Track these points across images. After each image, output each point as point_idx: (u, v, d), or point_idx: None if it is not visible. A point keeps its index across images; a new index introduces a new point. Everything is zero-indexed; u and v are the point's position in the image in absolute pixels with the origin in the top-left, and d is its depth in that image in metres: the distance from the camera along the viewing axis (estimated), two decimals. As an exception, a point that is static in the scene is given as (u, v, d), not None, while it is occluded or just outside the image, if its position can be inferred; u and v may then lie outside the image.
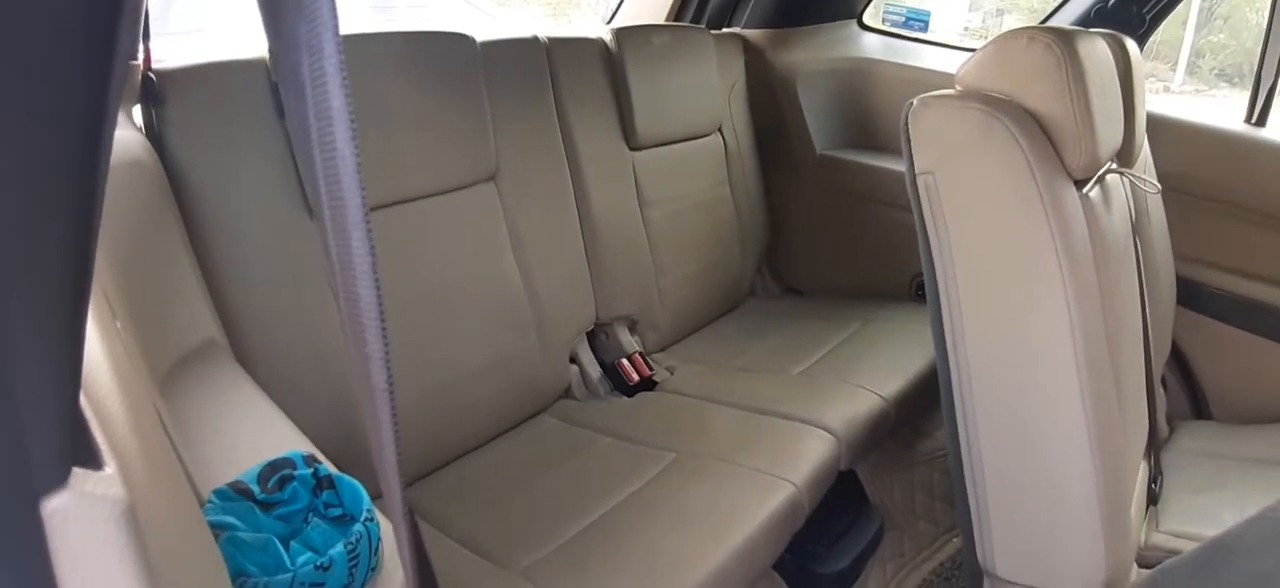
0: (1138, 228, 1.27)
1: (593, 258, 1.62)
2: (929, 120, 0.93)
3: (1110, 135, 1.02)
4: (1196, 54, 5.00)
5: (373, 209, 1.25)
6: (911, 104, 0.94)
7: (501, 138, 1.45)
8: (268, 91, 1.17)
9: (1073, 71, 0.90)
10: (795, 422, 1.38)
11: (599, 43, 1.68)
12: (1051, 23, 1.89)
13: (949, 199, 0.92)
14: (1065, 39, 0.90)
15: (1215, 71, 5.14)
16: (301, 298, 1.18)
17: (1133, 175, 1.12)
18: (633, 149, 1.71)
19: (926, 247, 0.96)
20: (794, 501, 1.19)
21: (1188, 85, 5.02)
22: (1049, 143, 0.91)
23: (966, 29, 6.94)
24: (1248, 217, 1.59)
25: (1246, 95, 1.69)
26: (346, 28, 0.30)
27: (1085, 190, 0.98)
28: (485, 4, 6.01)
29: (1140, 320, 1.21)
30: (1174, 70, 3.90)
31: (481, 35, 1.48)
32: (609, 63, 1.68)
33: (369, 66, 1.28)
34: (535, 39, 1.57)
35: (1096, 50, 0.99)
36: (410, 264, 1.31)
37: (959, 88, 0.98)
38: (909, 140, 0.94)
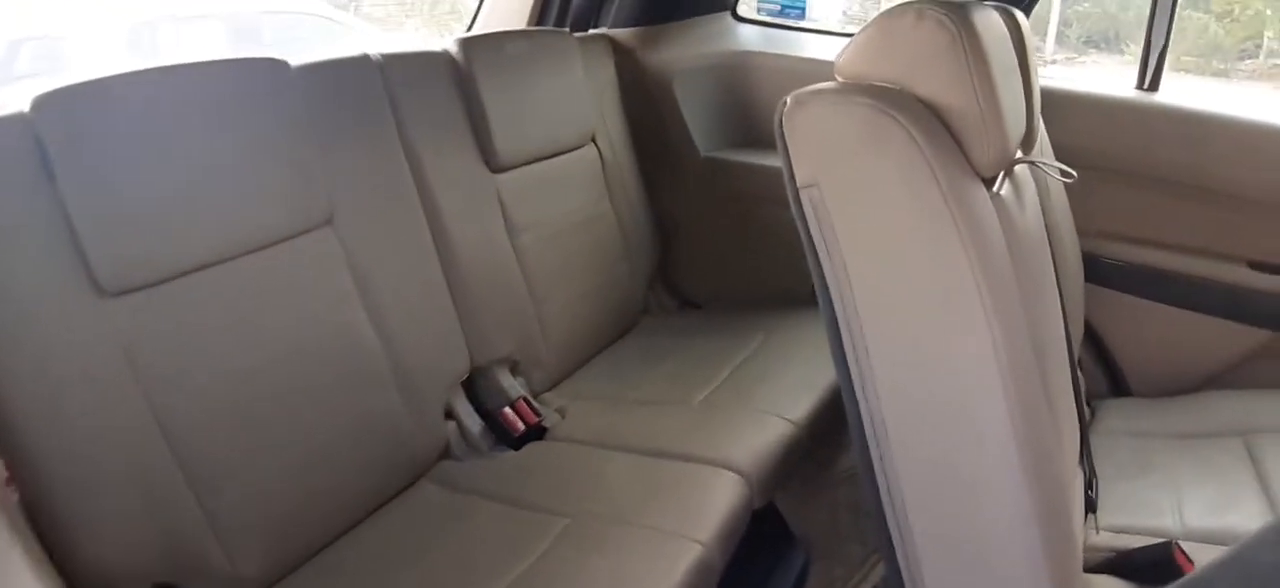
0: (1043, 210, 1.18)
1: (459, 297, 1.43)
2: (807, 122, 0.77)
3: (1016, 122, 0.90)
4: (1064, 23, 5.25)
5: (184, 274, 1.06)
6: (785, 103, 0.78)
7: (334, 175, 1.25)
8: (33, 150, 0.95)
9: (971, 52, 0.76)
10: (700, 463, 1.24)
11: (445, 56, 1.49)
12: (933, -1, 1.82)
13: (838, 213, 0.77)
14: (958, 13, 0.76)
15: (1082, 39, 5.42)
16: (100, 394, 0.97)
17: (1043, 164, 1.01)
18: (495, 171, 1.52)
19: (816, 266, 0.81)
20: (704, 562, 1.06)
21: (1059, 54, 5.27)
22: (950, 137, 0.77)
23: (846, 14, 7.09)
24: (1149, 185, 1.55)
25: (1116, 59, 1.69)
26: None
27: (996, 189, 0.85)
28: (356, 22, 5.73)
29: (1061, 315, 1.12)
30: (1043, 40, 4.04)
31: (299, 62, 1.27)
32: (459, 78, 1.49)
33: (167, 108, 1.07)
34: (365, 57, 1.37)
35: (992, 24, 0.87)
36: (239, 333, 1.11)
37: (839, 79, 0.84)
38: (786, 147, 0.79)
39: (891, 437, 0.82)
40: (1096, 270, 1.55)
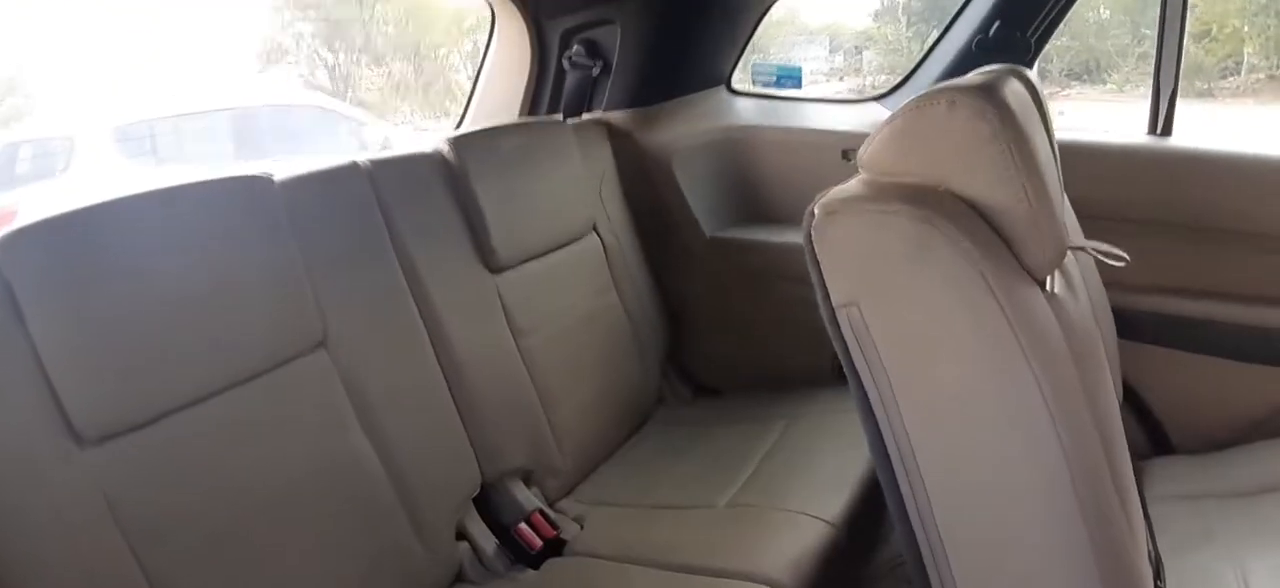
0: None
1: (465, 409, 1.36)
2: (840, 236, 0.70)
3: (1060, 206, 0.83)
4: (1045, 59, 5.30)
5: (166, 415, 0.99)
6: (813, 214, 0.71)
7: (326, 293, 1.19)
8: (2, 293, 0.90)
9: (1016, 148, 0.68)
10: (732, 578, 1.15)
11: (436, 157, 1.44)
12: (929, 62, 1.79)
13: (882, 333, 0.69)
14: (993, 100, 0.69)
15: (1064, 72, 5.49)
16: (81, 547, 0.91)
17: (1093, 250, 0.94)
18: (494, 272, 1.46)
19: (857, 385, 0.73)
20: None
21: (1043, 88, 5.31)
22: (999, 239, 0.70)
23: (832, 70, 7.18)
24: (1173, 231, 1.50)
25: (1099, 89, 1.67)
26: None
27: (1051, 288, 0.78)
28: (350, 108, 5.77)
29: (1112, 387, 1.04)
30: None
31: (284, 175, 1.23)
32: (452, 179, 1.44)
33: (142, 239, 1.02)
34: (353, 165, 1.32)
35: (1019, 97, 0.81)
36: (228, 473, 1.04)
37: (864, 175, 0.77)
38: (817, 261, 0.71)
39: (953, 567, 0.74)
40: (1128, 325, 1.47)
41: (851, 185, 0.74)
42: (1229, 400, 1.48)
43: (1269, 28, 4.80)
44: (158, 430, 0.98)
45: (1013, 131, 0.70)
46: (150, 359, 0.98)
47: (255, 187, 1.15)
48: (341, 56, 7.86)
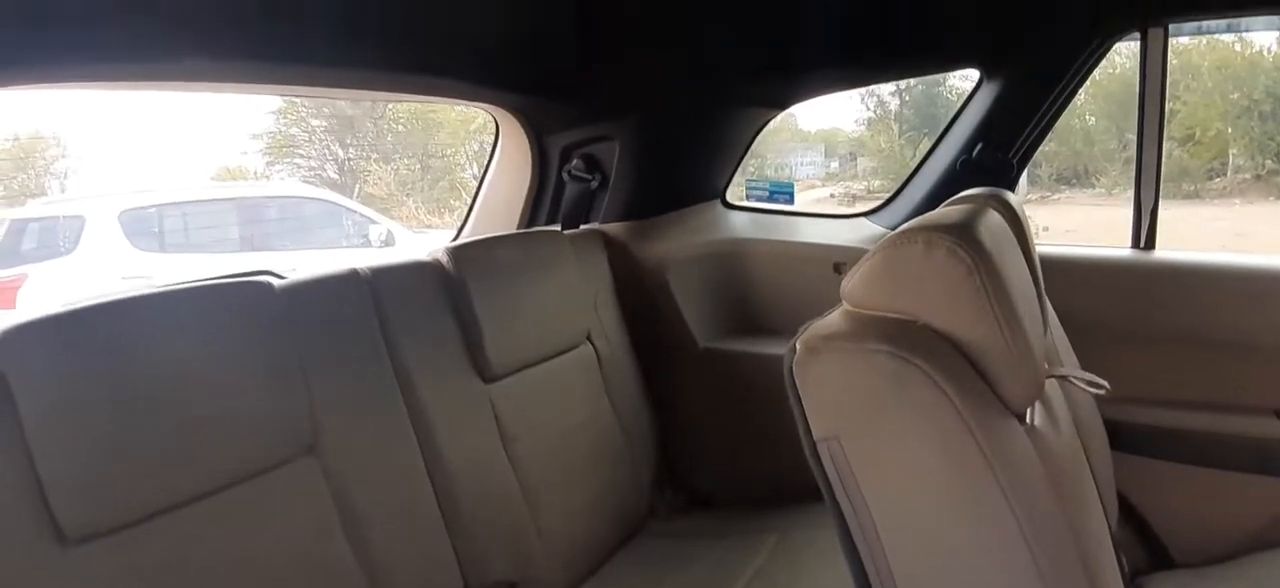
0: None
1: (451, 517, 1.34)
2: (821, 372, 0.72)
3: (1038, 335, 0.85)
4: (1033, 164, 5.42)
5: (153, 516, 0.99)
6: (794, 350, 0.73)
7: (318, 399, 1.19)
8: None
9: (991, 286, 0.71)
10: None
11: (434, 266, 1.47)
12: (916, 180, 1.84)
13: (862, 467, 0.70)
14: (968, 238, 0.72)
15: (1054, 177, 5.63)
16: None
17: (1073, 378, 0.95)
18: (488, 381, 1.46)
19: (838, 516, 0.73)
20: None
21: (1033, 193, 5.45)
22: (976, 374, 0.71)
23: (828, 175, 7.35)
24: (1160, 343, 1.52)
25: (1088, 193, 1.72)
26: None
27: (1030, 421, 0.79)
28: (356, 204, 5.86)
29: (1101, 508, 1.03)
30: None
31: (287, 280, 1.26)
32: (449, 287, 1.46)
33: (139, 340, 1.03)
34: (353, 272, 1.34)
35: (995, 230, 0.84)
36: (212, 577, 1.03)
37: (847, 306, 0.79)
38: (799, 396, 0.73)
39: None
40: (1122, 438, 1.47)
41: (833, 319, 0.76)
42: (1227, 512, 1.46)
43: (1252, 129, 4.96)
44: (144, 531, 0.97)
45: (988, 269, 0.72)
46: (141, 461, 0.98)
47: (256, 291, 1.17)
48: (352, 152, 8.08)
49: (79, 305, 1.01)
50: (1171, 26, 1.53)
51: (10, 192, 6.92)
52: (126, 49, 1.09)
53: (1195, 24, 1.74)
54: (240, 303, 1.15)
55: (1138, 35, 1.54)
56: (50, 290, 4.14)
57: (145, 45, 1.10)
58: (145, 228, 4.68)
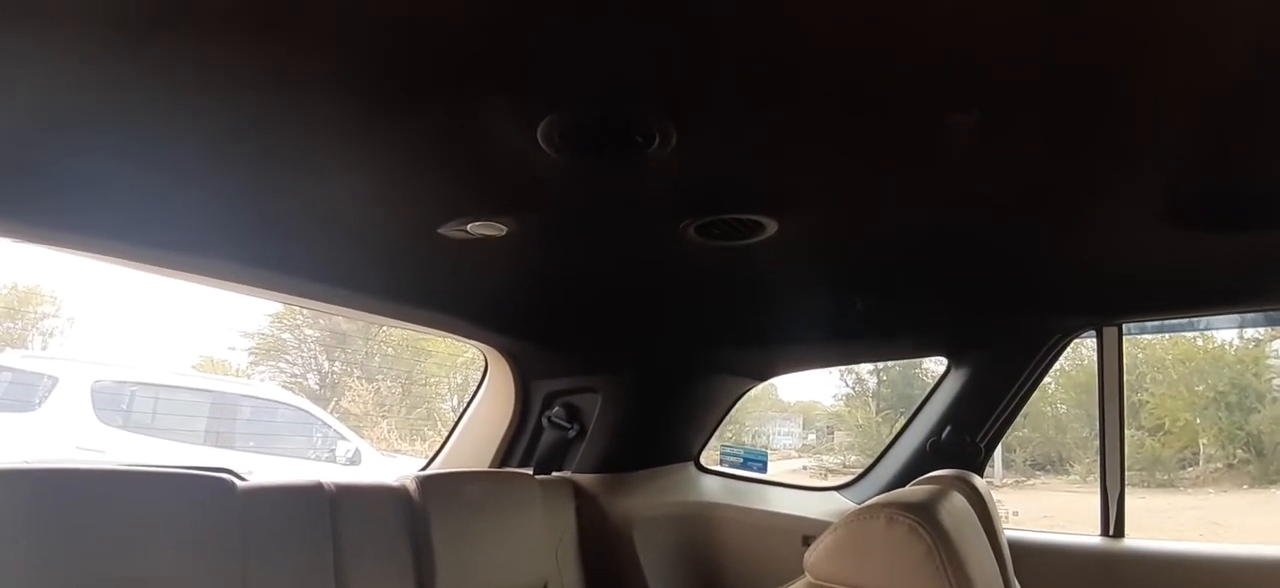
0: None
1: None
2: None
3: None
4: (1008, 449, 5.49)
5: None
6: None
7: None
8: None
9: (947, 559, 0.73)
10: None
11: (401, 491, 1.44)
12: (886, 459, 1.87)
13: None
14: (927, 517, 0.75)
15: (1028, 462, 5.64)
16: None
17: None
18: None
19: None
20: None
21: (1008, 478, 5.45)
22: None
23: (805, 446, 7.39)
24: None
25: (1063, 479, 1.74)
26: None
27: None
28: (330, 419, 5.80)
29: None
30: (992, 467, 4.15)
31: (250, 482, 1.23)
32: (411, 515, 1.42)
33: (98, 512, 1.02)
34: (318, 486, 1.32)
35: (958, 512, 0.86)
36: None
37: (810, 579, 0.80)
38: None
39: None
40: None
41: None
42: None
43: (1220, 419, 5.04)
44: None
45: (948, 549, 0.74)
46: None
47: (217, 488, 1.16)
48: (338, 366, 8.13)
49: (44, 466, 1.01)
50: (1128, 325, 1.64)
51: (-8, 337, 6.90)
52: (139, 231, 1.15)
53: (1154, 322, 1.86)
54: (200, 496, 1.13)
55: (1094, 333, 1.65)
56: (2, 444, 4.00)
57: (161, 231, 1.16)
58: (114, 403, 4.61)
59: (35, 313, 7.27)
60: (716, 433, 2.11)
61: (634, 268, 1.37)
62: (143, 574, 1.03)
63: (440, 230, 1.13)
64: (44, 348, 7.01)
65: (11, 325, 7.18)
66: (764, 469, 2.05)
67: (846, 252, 1.28)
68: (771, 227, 1.10)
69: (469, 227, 1.12)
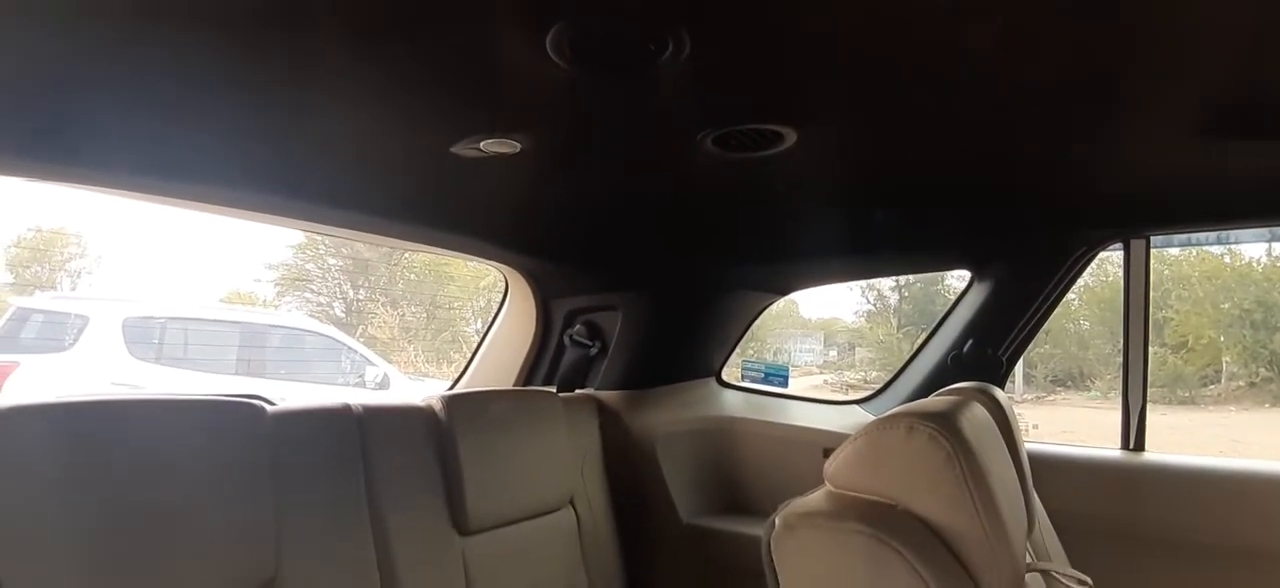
0: None
1: None
2: (799, 549, 0.73)
3: (1019, 528, 0.86)
4: (1029, 365, 5.50)
5: None
6: (773, 524, 0.74)
7: (286, 531, 1.17)
8: None
9: (969, 471, 0.73)
10: None
11: (427, 412, 1.48)
12: (908, 372, 1.87)
13: None
14: (948, 425, 0.75)
15: (1049, 378, 5.65)
16: None
17: (1058, 574, 0.94)
18: (464, 534, 1.43)
19: None
20: None
21: (1028, 394, 5.47)
22: (954, 560, 0.72)
23: (826, 363, 7.43)
24: (1150, 546, 1.50)
25: (1083, 395, 1.72)
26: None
27: None
28: (356, 344, 5.91)
29: None
30: (1013, 382, 4.16)
31: (279, 406, 1.27)
32: (438, 435, 1.46)
33: (129, 441, 1.04)
34: (346, 408, 1.35)
35: (978, 422, 0.86)
36: None
37: (829, 487, 0.81)
38: (775, 572, 0.73)
39: None
40: None
41: (814, 498, 0.77)
42: None
43: (1244, 337, 5.00)
44: None
45: (968, 458, 0.74)
46: (99, 562, 0.97)
47: (248, 412, 1.18)
48: (362, 293, 8.24)
49: (74, 399, 1.03)
50: (1156, 238, 1.61)
51: (21, 281, 7.04)
52: (159, 166, 1.15)
53: (1182, 236, 1.81)
54: (231, 421, 1.16)
55: (1121, 246, 1.62)
56: (38, 384, 4.12)
57: (181, 165, 1.16)
58: (146, 338, 4.70)
59: (62, 255, 7.40)
60: (738, 349, 2.12)
61: (652, 182, 1.35)
62: (176, 500, 1.06)
63: (453, 149, 1.12)
64: (73, 288, 7.18)
65: (39, 268, 7.32)
66: (785, 384, 2.06)
67: (867, 163, 1.25)
68: (790, 137, 1.08)
69: (482, 145, 1.10)
